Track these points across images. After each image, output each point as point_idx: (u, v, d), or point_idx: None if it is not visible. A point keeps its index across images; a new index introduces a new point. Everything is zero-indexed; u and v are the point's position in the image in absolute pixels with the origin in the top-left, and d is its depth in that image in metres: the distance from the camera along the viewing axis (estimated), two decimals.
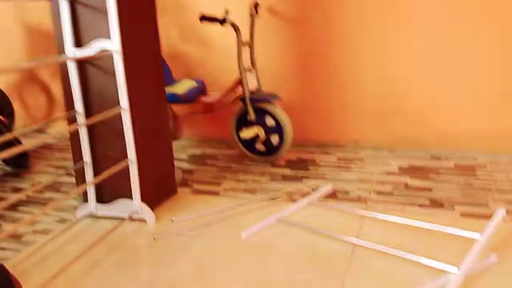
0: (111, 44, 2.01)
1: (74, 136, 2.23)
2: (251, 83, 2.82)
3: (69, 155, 3.24)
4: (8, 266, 1.84)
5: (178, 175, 2.62)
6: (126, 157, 2.15)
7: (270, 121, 2.82)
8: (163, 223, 2.17)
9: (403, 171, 2.66)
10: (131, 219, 2.17)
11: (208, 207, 2.30)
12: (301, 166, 2.81)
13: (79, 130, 2.18)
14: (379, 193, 2.38)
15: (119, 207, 2.19)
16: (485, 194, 2.30)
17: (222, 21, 2.63)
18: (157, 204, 2.33)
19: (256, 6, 2.90)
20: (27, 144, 1.67)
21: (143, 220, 2.18)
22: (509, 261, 1.71)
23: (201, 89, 3.04)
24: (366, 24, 2.88)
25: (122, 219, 2.13)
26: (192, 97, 2.96)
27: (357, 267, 1.73)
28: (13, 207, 2.43)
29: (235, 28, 2.71)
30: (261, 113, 2.82)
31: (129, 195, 2.19)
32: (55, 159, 3.19)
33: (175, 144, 3.36)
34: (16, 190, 2.68)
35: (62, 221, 2.26)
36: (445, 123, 2.87)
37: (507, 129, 2.77)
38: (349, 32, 2.92)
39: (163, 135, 2.41)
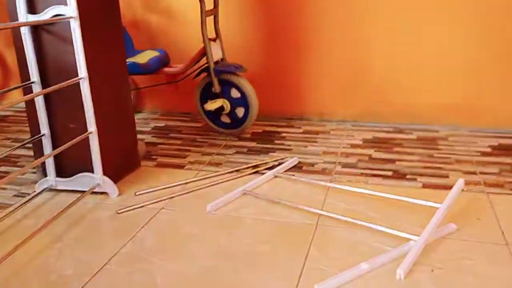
0: (67, 9, 1.91)
1: (31, 107, 2.13)
2: (216, 54, 2.76)
3: (27, 128, 3.10)
4: None
5: (141, 148, 2.56)
6: (86, 128, 2.07)
7: (235, 93, 2.78)
8: (126, 197, 2.12)
9: (367, 143, 2.68)
10: (93, 192, 2.11)
11: (173, 180, 2.26)
12: (266, 139, 2.80)
13: (35, 100, 2.08)
14: (344, 165, 2.40)
15: (80, 181, 2.13)
16: (446, 165, 2.35)
17: None
18: (119, 178, 2.27)
19: None
20: None
21: (105, 194, 2.13)
22: (467, 229, 1.76)
23: (164, 60, 2.96)
24: None
25: (83, 193, 2.06)
26: (154, 68, 2.88)
27: (322, 237, 1.75)
28: None
29: None
30: (226, 85, 2.77)
31: (90, 169, 2.12)
32: (12, 132, 3.06)
33: (137, 117, 3.28)
34: None
35: (20, 195, 2.17)
36: (408, 96, 2.90)
37: (468, 102, 2.82)
38: (316, 4, 2.88)
39: (125, 106, 2.34)
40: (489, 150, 2.53)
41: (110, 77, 2.20)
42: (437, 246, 1.66)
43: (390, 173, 2.28)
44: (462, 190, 1.98)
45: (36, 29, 2.03)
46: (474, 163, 2.36)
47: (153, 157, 2.59)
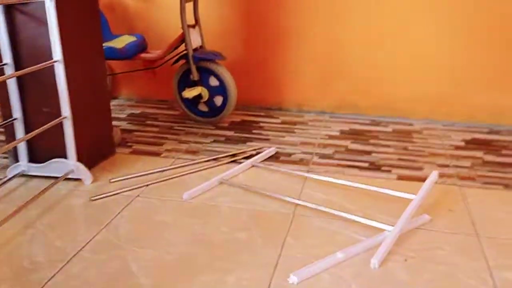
0: None
1: (3, 90, 2.06)
2: (195, 41, 2.73)
3: None
4: None
5: (117, 135, 2.52)
6: (61, 113, 2.02)
7: (214, 81, 2.76)
8: (100, 184, 2.08)
9: (344, 135, 2.71)
10: (67, 179, 2.07)
11: (149, 168, 2.23)
12: (244, 129, 2.79)
13: (7, 83, 2.02)
14: (321, 156, 2.41)
15: (53, 166, 2.08)
16: (420, 158, 2.39)
17: None
18: (94, 165, 2.23)
19: None
20: None
21: (79, 180, 2.09)
22: (440, 220, 1.80)
23: (141, 45, 2.91)
24: None
25: (57, 179, 2.02)
26: (131, 53, 2.83)
27: (299, 226, 1.76)
28: None
29: None
30: (205, 73, 2.75)
31: (64, 155, 2.07)
32: None
33: (113, 103, 3.23)
34: None
35: None
36: (385, 89, 2.93)
37: (443, 96, 2.87)
38: None
39: (100, 91, 2.30)
40: (462, 144, 2.58)
41: (86, 61, 2.15)
42: (410, 236, 1.69)
43: (366, 165, 2.30)
44: (436, 182, 2.01)
45: (9, 9, 1.96)
46: (448, 157, 2.41)
47: (129, 144, 2.55)
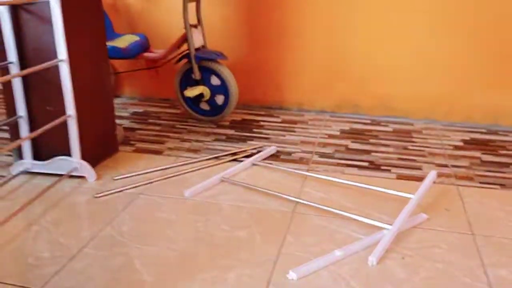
0: None
1: (8, 88, 2.09)
2: (197, 41, 2.76)
3: (2, 110, 3.05)
4: None
5: (120, 133, 2.55)
6: (65, 112, 2.05)
7: (215, 80, 2.79)
8: (103, 181, 2.12)
9: (344, 134, 2.73)
10: (70, 176, 2.10)
11: (151, 166, 2.26)
12: (245, 127, 2.82)
13: (12, 82, 2.05)
14: (321, 155, 2.44)
15: (57, 164, 2.11)
16: (419, 158, 2.42)
17: None
18: (97, 162, 2.26)
19: None
20: None
21: (82, 178, 2.12)
22: (437, 219, 1.83)
23: (144, 45, 2.94)
24: None
25: (61, 177, 2.05)
26: (134, 53, 2.86)
27: (299, 224, 1.79)
28: None
29: None
30: (207, 72, 2.78)
31: (68, 153, 2.11)
32: None
33: (115, 102, 3.25)
34: None
35: None
36: (386, 89, 2.96)
37: (443, 96, 2.90)
38: None
39: (104, 90, 2.33)
40: (461, 144, 2.61)
41: (90, 60, 2.18)
42: (408, 235, 1.72)
43: (365, 164, 2.33)
44: (434, 182, 2.04)
45: (15, 8, 1.99)
46: (446, 157, 2.44)
47: (131, 142, 2.59)
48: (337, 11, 2.89)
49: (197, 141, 2.61)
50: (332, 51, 2.97)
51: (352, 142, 2.62)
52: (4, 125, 2.12)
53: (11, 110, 2.13)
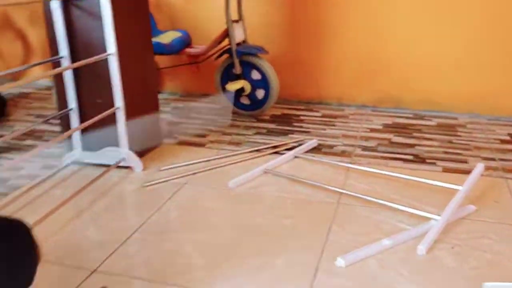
0: None
1: (59, 82, 2.17)
2: (238, 35, 2.79)
3: (48, 104, 3.17)
4: None
5: (163, 126, 2.60)
6: (113, 104, 2.11)
7: (256, 75, 2.81)
8: (150, 171, 2.17)
9: (387, 128, 2.71)
10: (118, 166, 2.16)
11: (194, 158, 2.30)
12: (285, 121, 2.83)
13: (63, 75, 2.13)
14: (364, 148, 2.43)
15: (106, 155, 2.18)
16: (465, 151, 2.37)
17: None
18: (143, 154, 2.32)
19: None
20: (4, 92, 1.63)
21: (129, 168, 2.18)
22: (485, 211, 1.79)
23: (186, 40, 2.99)
24: None
25: (109, 167, 2.12)
26: (177, 48, 2.92)
27: (344, 214, 1.78)
28: None
29: None
30: (247, 67, 2.80)
31: (115, 144, 2.17)
32: (34, 108, 3.12)
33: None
34: None
35: (47, 167, 2.23)
36: (428, 83, 2.91)
37: (487, 91, 2.83)
38: None
39: (150, 84, 2.38)
40: (508, 138, 2.54)
41: (137, 54, 2.24)
42: (456, 226, 1.69)
43: (410, 157, 2.30)
44: (481, 175, 2.00)
45: (66, 5, 2.07)
46: (493, 150, 2.38)
47: (175, 135, 2.64)
48: (377, 6, 2.86)
49: (238, 134, 2.64)
50: (372, 47, 2.94)
51: (395, 136, 2.59)
52: (56, 118, 2.20)
53: (62, 103, 2.21)
